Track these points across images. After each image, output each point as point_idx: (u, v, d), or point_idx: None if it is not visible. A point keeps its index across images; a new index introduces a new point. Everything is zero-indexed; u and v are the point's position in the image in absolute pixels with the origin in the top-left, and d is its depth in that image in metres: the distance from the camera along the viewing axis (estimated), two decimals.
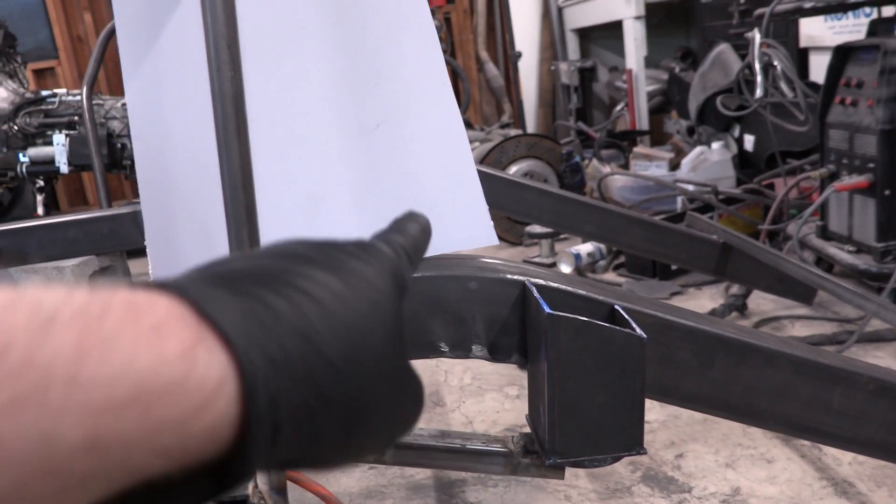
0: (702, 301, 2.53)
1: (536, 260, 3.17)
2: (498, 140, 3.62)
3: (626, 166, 3.77)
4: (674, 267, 2.70)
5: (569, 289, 0.80)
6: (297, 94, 0.81)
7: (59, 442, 0.22)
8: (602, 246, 2.96)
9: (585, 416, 0.74)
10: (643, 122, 4.20)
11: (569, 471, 0.79)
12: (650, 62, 4.32)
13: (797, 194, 2.66)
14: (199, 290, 0.28)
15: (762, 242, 2.32)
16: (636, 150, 3.84)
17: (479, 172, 0.86)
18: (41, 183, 3.37)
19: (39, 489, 0.22)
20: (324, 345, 0.29)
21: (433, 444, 0.87)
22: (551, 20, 5.13)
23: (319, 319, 0.30)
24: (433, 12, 2.91)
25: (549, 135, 4.29)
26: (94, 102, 2.82)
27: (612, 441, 0.75)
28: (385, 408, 0.33)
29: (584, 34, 5.14)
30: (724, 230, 1.98)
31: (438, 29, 1.17)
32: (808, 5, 2.20)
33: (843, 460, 1.52)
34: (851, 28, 2.89)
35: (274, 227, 0.76)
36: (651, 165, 3.56)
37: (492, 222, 0.86)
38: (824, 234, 2.34)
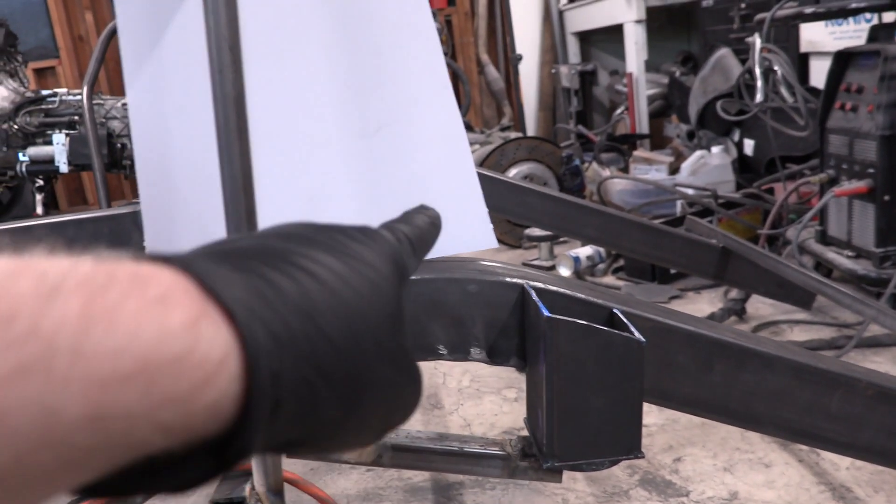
0: (701, 305, 2.54)
1: (536, 263, 3.17)
2: (498, 143, 3.63)
3: (625, 170, 3.77)
4: (673, 271, 2.71)
5: (568, 292, 0.80)
6: (298, 97, 0.81)
7: (61, 414, 0.22)
8: (601, 249, 2.96)
9: (583, 419, 0.74)
10: (643, 126, 4.20)
11: (566, 474, 0.79)
12: (651, 66, 4.32)
13: (797, 199, 2.66)
14: (203, 265, 0.28)
15: (761, 247, 2.32)
16: (636, 153, 3.84)
17: (479, 175, 0.86)
18: (41, 182, 3.37)
19: (40, 463, 0.22)
20: (325, 323, 0.30)
21: (431, 447, 0.87)
22: (552, 23, 5.14)
23: (322, 298, 0.30)
24: (434, 15, 2.91)
25: (549, 138, 4.29)
26: (94, 102, 2.82)
27: (609, 445, 0.75)
28: (384, 388, 0.33)
29: (585, 37, 5.14)
30: (723, 234, 1.99)
31: (439, 31, 1.17)
32: (808, 10, 2.20)
33: (841, 465, 1.52)
34: (852, 34, 2.89)
35: None
36: (651, 169, 3.56)
37: (491, 225, 0.86)
38: (823, 239, 2.34)
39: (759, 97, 2.54)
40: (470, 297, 0.79)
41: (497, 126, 4.78)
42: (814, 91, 2.73)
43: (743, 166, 3.26)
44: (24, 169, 3.22)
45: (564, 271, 2.96)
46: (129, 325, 0.24)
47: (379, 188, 0.83)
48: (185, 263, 0.28)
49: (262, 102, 0.77)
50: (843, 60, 2.22)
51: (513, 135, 4.19)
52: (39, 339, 0.22)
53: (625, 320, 0.76)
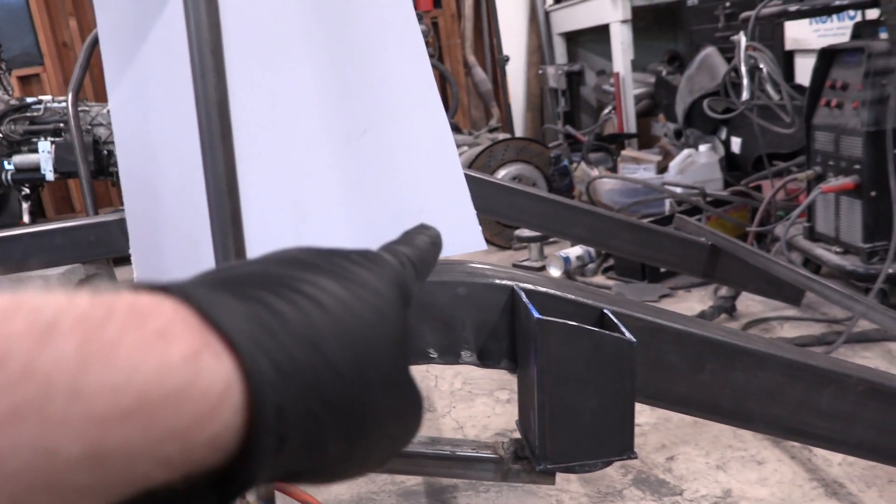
0: (691, 303, 2.54)
1: (525, 264, 3.17)
2: (486, 144, 3.63)
3: (614, 169, 3.78)
4: (663, 269, 2.71)
5: (558, 293, 0.80)
6: (282, 101, 0.80)
7: (59, 455, 0.21)
8: (591, 249, 2.97)
9: (576, 420, 0.73)
10: (631, 126, 4.21)
11: (560, 475, 0.78)
12: (637, 66, 4.33)
13: (784, 196, 2.67)
14: (203, 294, 0.27)
15: (750, 244, 2.33)
16: (624, 153, 3.85)
17: (468, 177, 0.86)
18: (27, 190, 3.34)
19: None
20: (330, 352, 0.29)
21: (423, 452, 0.87)
22: (538, 24, 5.14)
23: (326, 326, 0.29)
24: (420, 17, 2.91)
25: (537, 138, 4.29)
26: (79, 109, 2.80)
27: (602, 446, 0.75)
28: (388, 417, 0.32)
29: (572, 38, 5.15)
30: (712, 232, 1.99)
31: (426, 33, 1.17)
32: (792, 8, 2.21)
33: (834, 461, 1.53)
34: (836, 31, 2.91)
35: (260, 234, 0.76)
36: (639, 168, 3.57)
37: (480, 227, 0.85)
38: (811, 235, 2.35)
39: (745, 95, 2.55)
40: (459, 299, 0.79)
41: (485, 127, 4.78)
42: (799, 88, 2.75)
43: (730, 164, 3.28)
44: (9, 177, 3.19)
45: (554, 272, 2.96)
46: (129, 360, 0.23)
47: (365, 192, 0.83)
48: (184, 293, 0.27)
49: (245, 106, 0.76)
50: (828, 57, 2.23)
51: (501, 136, 4.19)
52: (34, 380, 0.21)
53: (615, 320, 0.76)
